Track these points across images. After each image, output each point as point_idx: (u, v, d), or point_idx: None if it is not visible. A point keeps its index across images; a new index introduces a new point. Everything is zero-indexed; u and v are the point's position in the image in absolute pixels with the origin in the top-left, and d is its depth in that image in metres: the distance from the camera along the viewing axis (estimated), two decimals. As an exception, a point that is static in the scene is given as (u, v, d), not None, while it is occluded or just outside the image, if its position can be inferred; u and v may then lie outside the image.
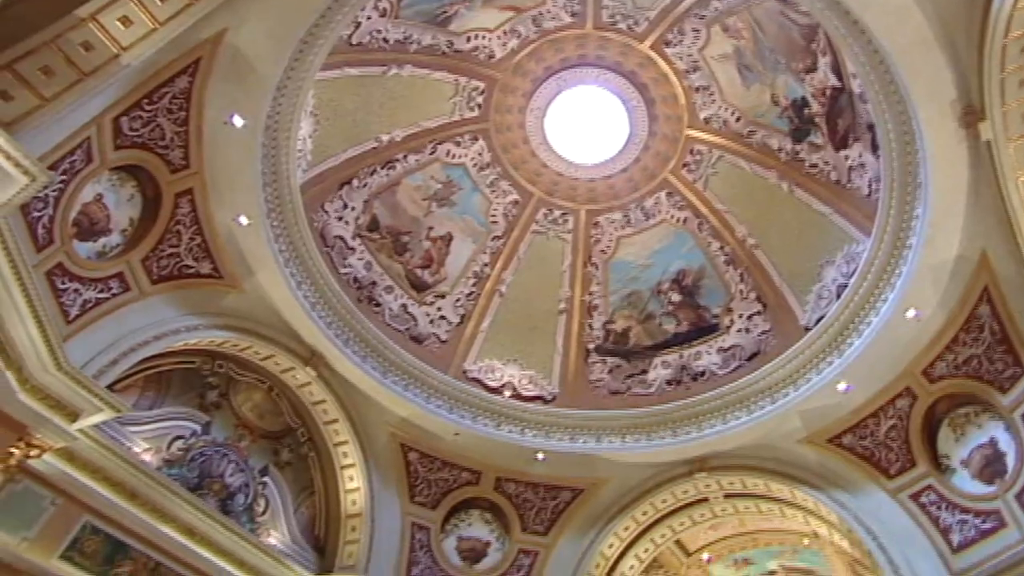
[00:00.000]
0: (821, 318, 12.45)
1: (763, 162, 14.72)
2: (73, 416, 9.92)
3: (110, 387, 10.68)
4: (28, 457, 9.59)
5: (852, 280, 11.65)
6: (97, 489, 10.86)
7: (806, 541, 16.39)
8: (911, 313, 10.87)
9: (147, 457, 12.06)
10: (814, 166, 13.79)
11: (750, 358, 13.92)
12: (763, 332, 14.02)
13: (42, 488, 10.26)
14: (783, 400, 12.49)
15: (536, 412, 15.38)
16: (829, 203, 13.39)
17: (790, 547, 17.52)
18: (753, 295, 14.29)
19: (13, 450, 9.35)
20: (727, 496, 14.40)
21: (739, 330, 14.46)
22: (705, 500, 14.70)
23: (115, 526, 11.08)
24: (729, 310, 14.73)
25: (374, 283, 15.10)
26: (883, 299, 11.02)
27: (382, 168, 15.29)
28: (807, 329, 12.89)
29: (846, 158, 12.73)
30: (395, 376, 14.66)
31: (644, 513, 15.11)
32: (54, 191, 9.17)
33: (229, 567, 12.52)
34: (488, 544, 15.55)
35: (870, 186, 12.06)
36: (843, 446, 12.21)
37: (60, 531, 10.39)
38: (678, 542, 16.90)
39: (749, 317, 14.32)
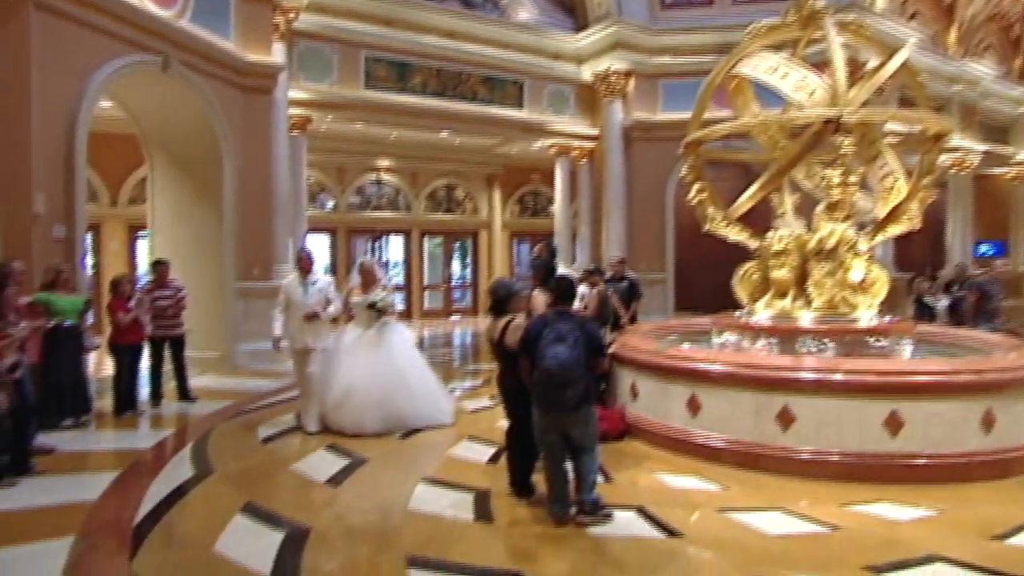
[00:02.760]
0: None
1: None
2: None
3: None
4: (289, 22, 10.96)
5: None
6: (356, 27, 12.18)
7: None
8: None
9: (380, -17, 12.69)
10: None
11: None
12: None
13: (317, 42, 11.90)
14: None
15: None
16: None
17: None
18: None
19: (276, 21, 10.70)
20: None
21: None
22: None
23: (390, 51, 12.62)
24: None
25: None
26: None
27: None
28: None
29: None
30: None
31: None
32: None
33: (495, 51, 13.73)
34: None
35: None
36: None
37: (352, 70, 12.27)
38: None
39: None
